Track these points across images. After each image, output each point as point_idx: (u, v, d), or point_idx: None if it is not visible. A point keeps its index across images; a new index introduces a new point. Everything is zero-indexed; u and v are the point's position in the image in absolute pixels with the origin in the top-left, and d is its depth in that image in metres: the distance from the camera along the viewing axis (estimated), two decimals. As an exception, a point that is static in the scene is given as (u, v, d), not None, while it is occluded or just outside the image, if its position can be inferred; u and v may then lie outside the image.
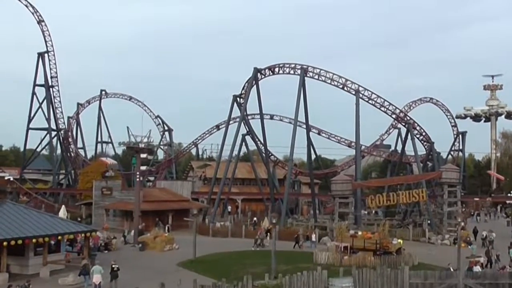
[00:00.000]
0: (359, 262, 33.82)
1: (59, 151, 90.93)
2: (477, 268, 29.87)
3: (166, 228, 51.08)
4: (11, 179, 71.82)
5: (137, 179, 48.43)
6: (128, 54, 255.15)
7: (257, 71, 65.02)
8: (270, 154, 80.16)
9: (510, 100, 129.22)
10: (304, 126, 65.01)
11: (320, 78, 61.52)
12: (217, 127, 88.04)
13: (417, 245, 45.86)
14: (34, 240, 29.39)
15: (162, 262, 35.58)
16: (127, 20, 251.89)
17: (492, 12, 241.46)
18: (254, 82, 65.07)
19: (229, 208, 76.39)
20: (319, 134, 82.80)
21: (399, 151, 74.74)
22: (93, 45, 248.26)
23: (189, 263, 35.26)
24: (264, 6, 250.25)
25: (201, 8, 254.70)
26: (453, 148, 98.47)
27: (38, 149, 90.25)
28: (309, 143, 66.62)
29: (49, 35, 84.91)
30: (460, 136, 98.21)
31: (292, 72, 63.30)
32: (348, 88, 60.73)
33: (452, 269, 28.84)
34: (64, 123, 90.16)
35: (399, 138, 77.35)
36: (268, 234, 45.68)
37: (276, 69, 64.95)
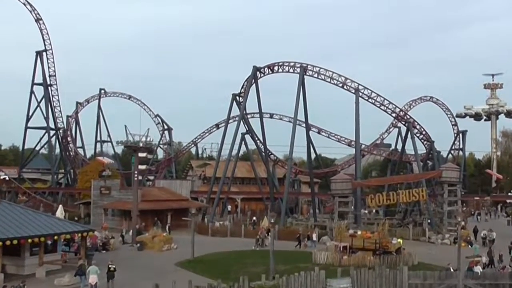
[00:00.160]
0: (359, 262, 33.70)
1: (58, 150, 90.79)
2: (478, 269, 29.60)
3: (167, 228, 50.81)
4: (7, 178, 71.96)
5: (135, 178, 48.12)
6: (128, 53, 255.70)
7: (256, 69, 64.60)
8: (269, 153, 79.84)
9: (510, 98, 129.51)
10: (304, 125, 64.85)
11: (319, 77, 61.16)
12: (217, 126, 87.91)
13: (417, 244, 45.58)
14: (30, 240, 29.19)
15: (160, 262, 35.36)
16: (127, 20, 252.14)
17: (492, 12, 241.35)
18: (253, 80, 64.74)
19: (229, 207, 76.04)
20: (319, 133, 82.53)
21: (399, 150, 74.43)
22: (93, 44, 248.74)
23: (187, 263, 35.06)
24: (264, 6, 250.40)
25: (201, 8, 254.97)
26: (453, 147, 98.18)
27: (37, 148, 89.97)
28: (309, 142, 66.38)
29: (47, 33, 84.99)
30: (460, 135, 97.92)
31: (291, 70, 62.92)
32: (348, 87, 60.43)
33: (452, 269, 28.60)
34: (63, 122, 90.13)
35: (399, 137, 77.00)
36: (269, 233, 45.37)
37: (276, 68, 64.54)
